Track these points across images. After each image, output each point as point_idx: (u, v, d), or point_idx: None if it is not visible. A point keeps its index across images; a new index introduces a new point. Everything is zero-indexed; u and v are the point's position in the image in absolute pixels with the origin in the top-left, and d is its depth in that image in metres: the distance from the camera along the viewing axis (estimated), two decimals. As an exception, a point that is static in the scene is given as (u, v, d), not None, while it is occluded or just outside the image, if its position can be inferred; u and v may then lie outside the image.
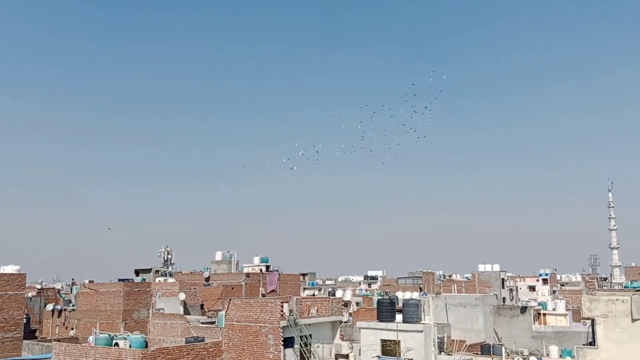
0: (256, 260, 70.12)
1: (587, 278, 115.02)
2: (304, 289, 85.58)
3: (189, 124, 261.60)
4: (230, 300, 34.15)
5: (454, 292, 63.49)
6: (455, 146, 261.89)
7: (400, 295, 71.11)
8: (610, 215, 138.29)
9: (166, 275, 72.56)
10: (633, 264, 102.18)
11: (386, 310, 33.91)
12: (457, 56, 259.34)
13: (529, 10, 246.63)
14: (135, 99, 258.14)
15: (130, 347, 30.36)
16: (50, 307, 58.27)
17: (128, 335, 32.54)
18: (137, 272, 73.40)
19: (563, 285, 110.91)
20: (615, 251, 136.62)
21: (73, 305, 57.63)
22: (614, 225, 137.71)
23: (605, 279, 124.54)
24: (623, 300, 25.77)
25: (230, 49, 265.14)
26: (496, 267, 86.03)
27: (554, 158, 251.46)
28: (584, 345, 31.04)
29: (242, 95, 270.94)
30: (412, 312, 32.59)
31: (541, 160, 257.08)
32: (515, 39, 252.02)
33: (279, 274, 64.98)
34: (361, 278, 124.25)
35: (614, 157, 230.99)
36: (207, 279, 63.71)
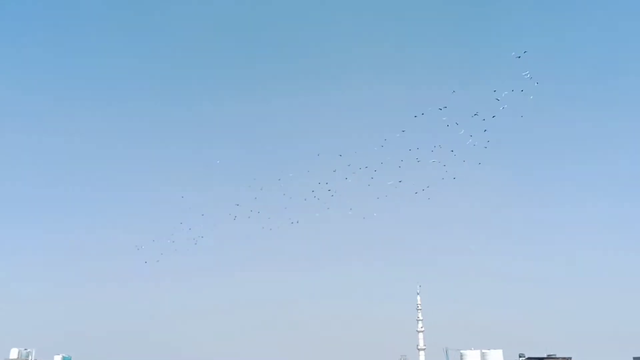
0: (57, 358, 65.38)
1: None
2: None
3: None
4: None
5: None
6: (281, 252, 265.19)
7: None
8: (418, 317, 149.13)
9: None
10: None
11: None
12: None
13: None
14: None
15: None
16: None
17: None
18: None
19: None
20: (422, 352, 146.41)
21: None
22: (422, 327, 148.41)
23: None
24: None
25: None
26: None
27: (367, 260, 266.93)
28: None
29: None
30: None
31: (354, 261, 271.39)
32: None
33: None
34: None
35: (423, 261, 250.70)
36: (-3, 380, 57.49)
